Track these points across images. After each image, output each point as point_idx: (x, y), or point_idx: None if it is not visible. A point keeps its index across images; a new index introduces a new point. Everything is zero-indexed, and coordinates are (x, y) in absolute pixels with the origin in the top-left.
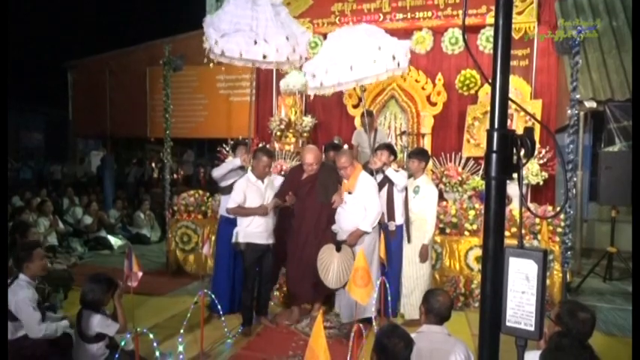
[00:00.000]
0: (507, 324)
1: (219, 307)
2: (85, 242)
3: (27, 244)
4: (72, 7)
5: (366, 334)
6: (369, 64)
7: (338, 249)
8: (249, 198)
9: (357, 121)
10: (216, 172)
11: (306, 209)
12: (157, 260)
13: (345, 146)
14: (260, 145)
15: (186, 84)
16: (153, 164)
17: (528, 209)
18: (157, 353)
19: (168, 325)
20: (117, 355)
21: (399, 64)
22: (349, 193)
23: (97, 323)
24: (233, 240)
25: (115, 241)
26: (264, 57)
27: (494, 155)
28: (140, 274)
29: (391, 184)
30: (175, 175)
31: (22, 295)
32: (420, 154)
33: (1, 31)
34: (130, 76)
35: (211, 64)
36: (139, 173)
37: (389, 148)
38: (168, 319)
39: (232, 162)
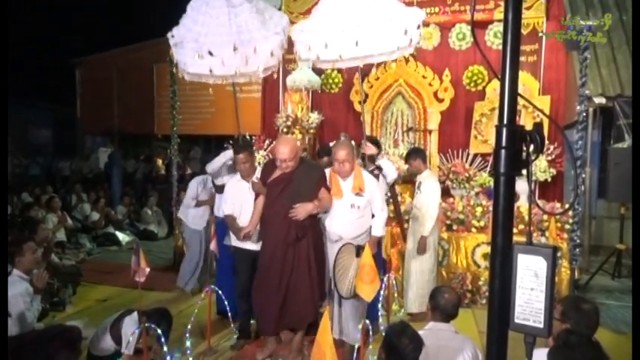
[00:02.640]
0: (516, 321)
1: (226, 303)
2: (93, 238)
3: (17, 238)
4: (79, 5)
5: (373, 331)
6: (377, 40)
7: (358, 254)
8: (236, 200)
9: (364, 118)
10: (211, 167)
11: (273, 216)
12: (164, 256)
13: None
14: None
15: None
16: (160, 161)
17: (537, 205)
18: (164, 348)
19: (175, 320)
20: (125, 350)
21: (411, 41)
22: (357, 194)
23: (125, 332)
24: (225, 242)
25: (122, 237)
26: (211, 71)
27: (503, 151)
28: (147, 269)
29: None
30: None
31: (14, 290)
32: (411, 154)
33: (1, 30)
34: (137, 73)
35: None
36: (146, 169)
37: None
38: (176, 314)
39: (225, 154)
